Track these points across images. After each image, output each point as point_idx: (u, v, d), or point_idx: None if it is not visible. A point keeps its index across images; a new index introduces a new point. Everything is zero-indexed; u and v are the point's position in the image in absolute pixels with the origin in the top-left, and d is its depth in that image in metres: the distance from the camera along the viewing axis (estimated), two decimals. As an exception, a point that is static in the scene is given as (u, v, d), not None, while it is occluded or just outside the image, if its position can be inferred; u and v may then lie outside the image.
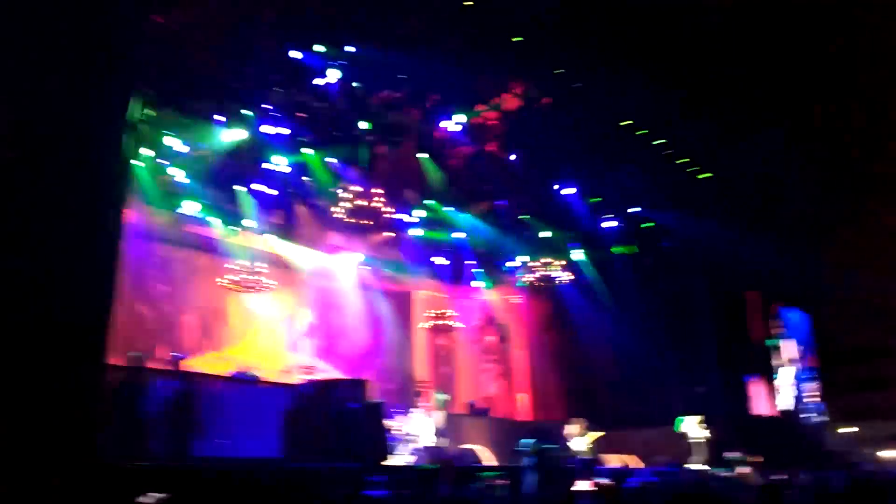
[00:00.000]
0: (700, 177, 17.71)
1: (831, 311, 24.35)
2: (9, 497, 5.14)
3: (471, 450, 14.07)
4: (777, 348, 22.19)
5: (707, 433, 14.59)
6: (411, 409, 13.83)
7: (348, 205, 14.74)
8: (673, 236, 17.88)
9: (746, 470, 10.72)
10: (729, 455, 13.26)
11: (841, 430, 26.45)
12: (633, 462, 14.27)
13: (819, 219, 20.91)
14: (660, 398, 15.71)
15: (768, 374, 20.96)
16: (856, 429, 26.35)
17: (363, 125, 13.99)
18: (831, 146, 18.12)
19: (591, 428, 13.98)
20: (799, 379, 22.81)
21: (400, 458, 12.25)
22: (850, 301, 23.59)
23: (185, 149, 12.31)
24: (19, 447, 6.26)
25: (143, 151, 12.04)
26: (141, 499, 6.11)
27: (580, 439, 13.93)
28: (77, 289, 7.43)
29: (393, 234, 16.40)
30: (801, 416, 22.36)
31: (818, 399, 23.92)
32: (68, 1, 7.29)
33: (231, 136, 12.58)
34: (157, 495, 6.45)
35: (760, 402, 19.85)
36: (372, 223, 15.54)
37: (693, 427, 14.74)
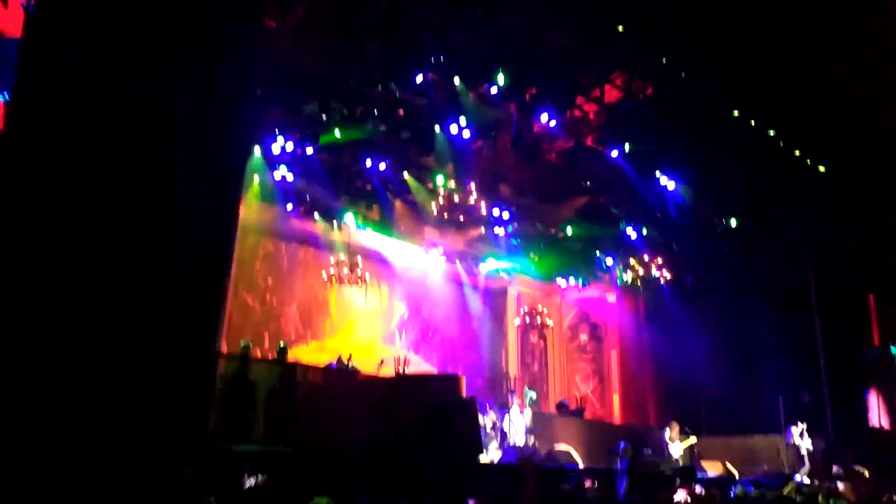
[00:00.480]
0: (817, 168, 16.67)
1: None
2: (133, 488, 5.58)
3: (564, 451, 13.96)
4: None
5: (810, 444, 13.79)
6: (505, 406, 13.88)
7: (443, 200, 14.94)
8: (784, 233, 16.91)
9: (841, 486, 10.07)
10: (836, 469, 12.51)
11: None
12: (733, 470, 13.70)
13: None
14: (763, 405, 14.96)
15: (888, 384, 19.50)
16: None
17: (462, 121, 14.08)
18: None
19: (688, 433, 13.55)
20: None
21: (491, 454, 12.34)
22: None
23: (292, 146, 12.83)
24: (138, 436, 6.80)
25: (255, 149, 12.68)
26: (246, 482, 6.49)
27: (676, 444, 13.53)
28: (195, 281, 7.96)
29: (486, 230, 16.43)
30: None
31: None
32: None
33: (333, 135, 13.01)
34: (261, 478, 6.84)
35: (879, 414, 18.49)
36: (466, 219, 15.70)
37: (798, 437, 13.98)
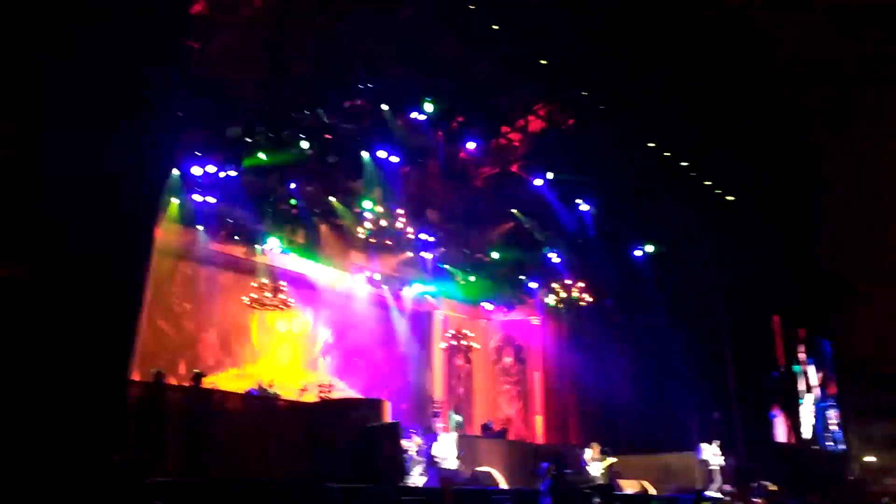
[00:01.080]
0: (726, 198, 17.69)
1: (855, 338, 24.03)
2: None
3: (486, 472, 14.04)
4: (800, 375, 21.90)
5: (722, 460, 14.41)
6: (430, 430, 13.88)
7: (370, 225, 14.97)
8: (696, 259, 17.80)
9: (759, 500, 10.63)
10: (757, 484, 13.11)
11: (864, 460, 25.91)
12: (650, 488, 14.13)
13: (847, 245, 20.73)
14: (677, 424, 15.56)
15: (791, 402, 20.68)
16: (874, 458, 25.81)
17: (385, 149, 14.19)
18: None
19: (607, 452, 13.92)
20: (819, 407, 22.46)
21: (415, 479, 12.28)
22: (874, 328, 23.29)
23: (213, 169, 12.59)
24: (39, 458, 6.46)
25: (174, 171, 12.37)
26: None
27: (596, 464, 13.87)
28: (106, 306, 7.67)
29: (412, 255, 16.53)
30: (823, 444, 21.97)
31: (838, 427, 23.52)
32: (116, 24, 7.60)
33: (257, 157, 12.85)
34: None
35: (782, 430, 19.56)
36: (393, 243, 15.76)
37: (710, 454, 14.59)
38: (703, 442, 14.76)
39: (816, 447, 21.74)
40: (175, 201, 12.70)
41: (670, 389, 16.63)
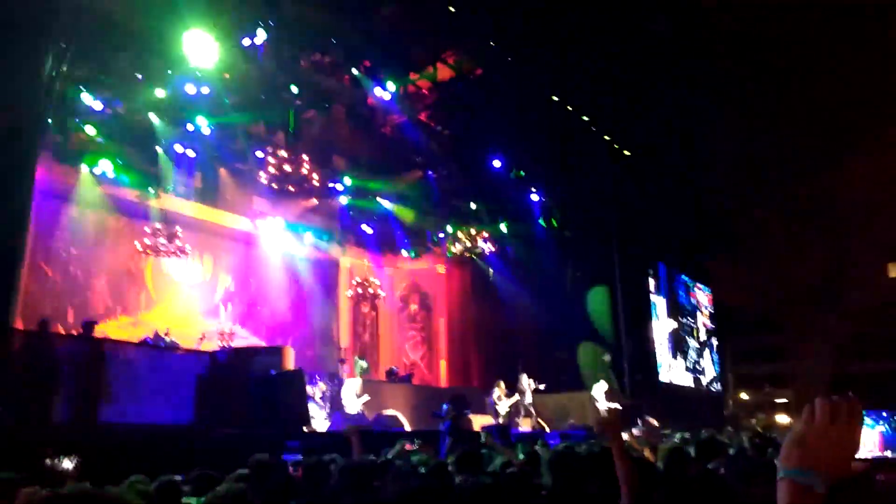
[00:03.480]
0: (623, 153, 18.40)
1: (731, 285, 26.02)
2: None
3: (391, 415, 14.37)
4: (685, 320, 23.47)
5: (606, 401, 15.41)
6: (335, 376, 13.98)
7: (274, 170, 14.53)
8: (589, 208, 18.55)
9: (636, 432, 11.53)
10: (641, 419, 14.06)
11: (738, 397, 28.45)
12: (545, 426, 14.94)
13: (731, 195, 22.14)
14: (571, 366, 16.41)
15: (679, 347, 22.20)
16: (746, 396, 28.41)
17: (293, 89, 13.73)
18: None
19: (508, 394, 14.57)
20: (698, 350, 24.27)
21: (319, 424, 12.40)
22: (750, 274, 25.28)
23: (101, 106, 11.77)
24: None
25: (59, 108, 11.48)
26: (50, 462, 6.05)
27: (503, 402, 14.55)
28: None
29: (318, 202, 16.27)
30: (703, 384, 23.83)
31: (716, 369, 25.57)
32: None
33: (152, 94, 12.11)
34: (67, 460, 6.40)
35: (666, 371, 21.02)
36: (298, 189, 15.41)
37: (601, 393, 15.53)
38: (595, 382, 15.69)
39: (697, 387, 23.57)
40: (59, 138, 11.83)
41: (566, 333, 17.47)
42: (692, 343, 23.66)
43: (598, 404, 15.22)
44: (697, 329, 24.29)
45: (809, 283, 29.84)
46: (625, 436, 11.11)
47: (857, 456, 1.15)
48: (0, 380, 7.49)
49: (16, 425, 7.32)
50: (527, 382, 15.04)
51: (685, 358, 22.84)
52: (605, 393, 15.75)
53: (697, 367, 23.85)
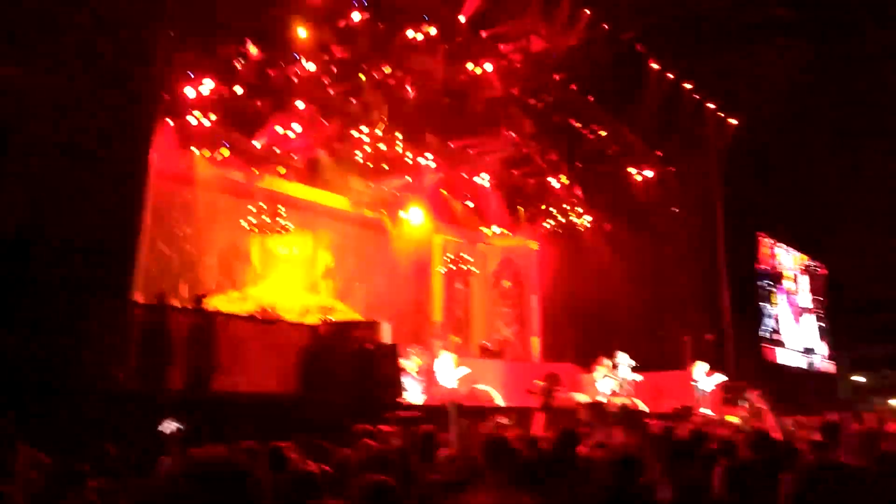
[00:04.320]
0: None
1: (846, 263, 24.20)
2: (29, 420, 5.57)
3: (483, 390, 14.52)
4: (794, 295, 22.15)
5: (710, 384, 14.85)
6: (426, 351, 14.25)
7: (369, 149, 14.83)
8: (692, 181, 17.75)
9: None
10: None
11: (852, 379, 26.64)
12: (641, 405, 14.61)
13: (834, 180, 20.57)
14: (671, 344, 15.91)
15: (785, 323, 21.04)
16: (863, 379, 26.50)
17: (386, 69, 13.91)
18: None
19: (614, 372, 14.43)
20: (810, 328, 22.86)
21: (414, 397, 12.71)
22: (864, 254, 23.43)
23: (209, 91, 12.38)
24: (44, 371, 6.73)
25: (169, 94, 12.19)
26: (161, 426, 6.53)
27: (609, 380, 14.40)
28: (105, 231, 7.77)
29: (411, 179, 16.47)
30: (813, 364, 22.49)
31: (829, 349, 24.03)
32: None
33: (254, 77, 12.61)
34: (175, 423, 6.89)
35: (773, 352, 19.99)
36: (391, 167, 15.68)
37: (702, 374, 15.00)
38: (696, 362, 15.17)
39: (807, 368, 22.28)
40: (171, 124, 12.56)
41: (666, 310, 16.92)
42: (801, 321, 22.34)
43: (698, 385, 14.72)
44: (807, 307, 22.88)
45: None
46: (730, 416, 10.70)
47: None
48: (122, 349, 8.12)
49: (134, 391, 7.95)
50: (625, 361, 14.77)
51: (793, 337, 21.61)
52: (705, 373, 15.21)
53: (806, 346, 22.52)
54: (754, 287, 19.16)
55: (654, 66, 15.24)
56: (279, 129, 13.94)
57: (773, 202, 18.95)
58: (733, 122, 17.26)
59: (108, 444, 4.99)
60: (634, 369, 14.91)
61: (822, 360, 23.59)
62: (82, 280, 7.46)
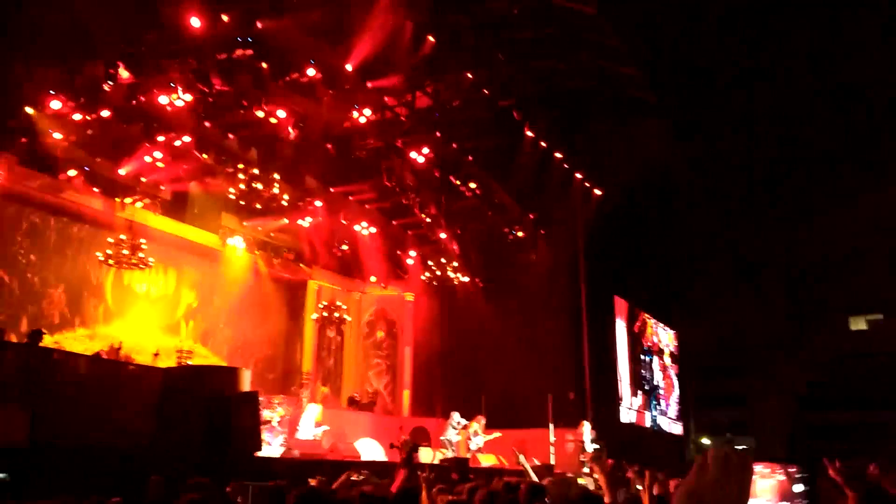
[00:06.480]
0: (594, 191, 18.57)
1: (698, 330, 26.23)
2: None
3: (349, 445, 14.09)
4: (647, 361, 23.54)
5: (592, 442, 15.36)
6: (291, 401, 13.70)
7: (244, 186, 14.35)
8: (558, 240, 18.67)
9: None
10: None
11: (700, 441, 28.52)
12: (504, 461, 14.76)
13: (694, 244, 22.42)
14: (535, 402, 16.29)
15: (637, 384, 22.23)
16: (708, 441, 28.49)
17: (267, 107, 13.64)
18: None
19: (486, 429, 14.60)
20: (659, 393, 24.35)
21: (274, 450, 12.10)
22: (715, 321, 25.54)
23: (71, 111, 11.56)
24: None
25: (25, 110, 11.28)
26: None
27: (480, 437, 14.49)
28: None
29: (288, 221, 16.10)
30: (659, 427, 23.83)
31: (677, 412, 25.64)
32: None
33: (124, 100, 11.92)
34: None
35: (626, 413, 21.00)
36: (267, 208, 15.25)
37: (588, 434, 15.49)
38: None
39: (657, 429, 23.56)
40: (24, 141, 11.57)
41: (531, 368, 17.38)
42: (652, 382, 23.73)
43: (584, 445, 15.23)
44: (658, 369, 24.39)
45: (772, 332, 30.30)
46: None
47: None
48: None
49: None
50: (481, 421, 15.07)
51: (645, 397, 22.86)
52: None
53: (658, 408, 23.88)
54: (612, 345, 20.18)
55: (529, 133, 16.02)
56: (147, 159, 13.21)
57: (631, 268, 20.27)
58: (598, 192, 18.42)
59: None
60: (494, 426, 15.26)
61: (670, 423, 25.09)
62: None
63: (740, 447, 27.09)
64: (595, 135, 17.07)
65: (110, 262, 12.74)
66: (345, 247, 17.71)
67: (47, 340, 11.24)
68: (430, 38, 13.79)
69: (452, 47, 14.33)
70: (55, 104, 11.32)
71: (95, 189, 13.04)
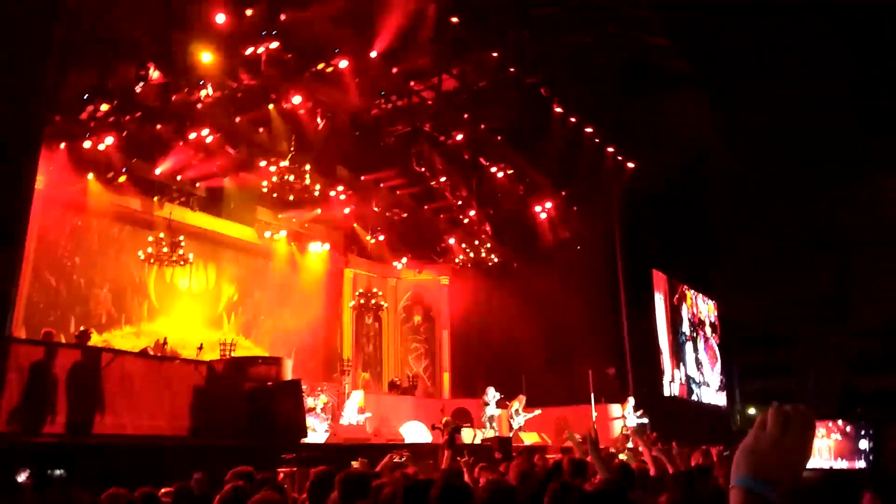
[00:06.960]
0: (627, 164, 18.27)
1: (742, 299, 25.71)
2: None
3: (392, 427, 14.29)
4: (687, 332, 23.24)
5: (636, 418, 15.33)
6: (333, 387, 13.92)
7: (276, 179, 14.52)
8: (594, 216, 18.47)
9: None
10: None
11: (745, 412, 28.15)
12: (547, 439, 14.80)
13: (734, 215, 21.89)
14: (576, 379, 16.25)
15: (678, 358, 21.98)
16: (754, 411, 28.06)
17: (295, 99, 13.74)
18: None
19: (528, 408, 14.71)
20: (701, 363, 24.05)
21: (318, 435, 12.33)
22: (758, 290, 24.99)
23: (106, 114, 11.81)
24: None
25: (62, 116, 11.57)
26: (18, 476, 6.01)
27: (521, 416, 14.60)
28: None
29: (321, 212, 16.25)
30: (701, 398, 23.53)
31: (722, 383, 25.29)
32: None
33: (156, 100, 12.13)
34: (26, 473, 6.36)
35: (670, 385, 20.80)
36: (300, 199, 15.40)
37: (630, 410, 15.44)
38: (598, 395, 15.57)
39: (700, 401, 23.30)
40: (63, 146, 11.89)
41: (570, 345, 17.31)
42: (694, 355, 23.42)
43: (626, 421, 15.20)
44: (700, 341, 24.06)
45: (820, 300, 29.60)
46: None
47: (808, 466, 1.14)
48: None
49: (10, 435, 7.29)
50: (522, 399, 15.11)
51: (686, 370, 22.59)
52: (634, 410, 15.67)
53: (700, 380, 23.59)
54: (652, 320, 19.95)
55: (558, 109, 15.80)
56: (182, 157, 13.45)
57: (668, 241, 19.94)
58: (630, 165, 18.13)
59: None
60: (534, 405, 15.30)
61: (714, 395, 24.78)
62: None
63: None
64: (627, 108, 16.75)
65: (151, 260, 13.06)
66: (379, 234, 17.82)
67: (95, 339, 11.63)
68: (454, 19, 13.68)
69: (477, 27, 14.19)
70: (90, 108, 11.58)
71: (134, 189, 13.34)
